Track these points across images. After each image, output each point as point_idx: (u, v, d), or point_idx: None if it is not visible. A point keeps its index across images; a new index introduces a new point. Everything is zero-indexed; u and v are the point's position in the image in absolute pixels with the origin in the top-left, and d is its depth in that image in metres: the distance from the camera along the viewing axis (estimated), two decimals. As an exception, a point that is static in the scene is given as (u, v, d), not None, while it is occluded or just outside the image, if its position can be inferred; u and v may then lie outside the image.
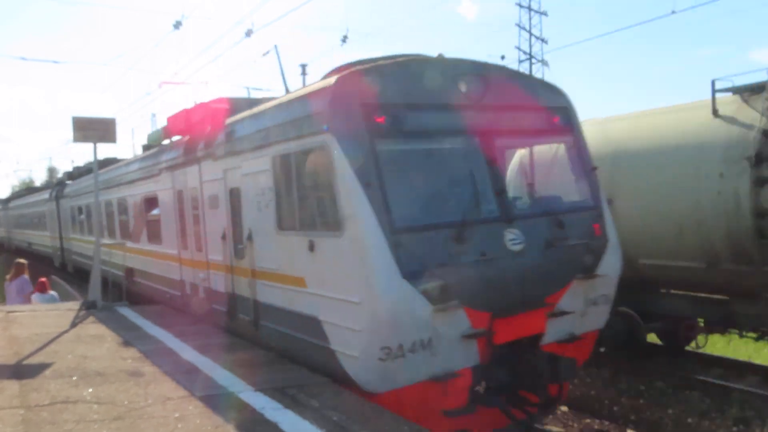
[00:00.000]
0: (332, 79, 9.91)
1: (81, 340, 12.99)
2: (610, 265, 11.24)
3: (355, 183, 9.25)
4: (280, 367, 10.62)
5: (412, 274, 9.11)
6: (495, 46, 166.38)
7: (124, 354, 11.83)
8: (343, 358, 9.56)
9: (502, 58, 40.46)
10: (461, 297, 9.55)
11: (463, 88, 10.51)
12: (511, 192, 10.88)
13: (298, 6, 50.69)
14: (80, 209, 29.84)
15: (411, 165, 9.82)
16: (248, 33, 25.08)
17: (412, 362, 9.39)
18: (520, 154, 13.70)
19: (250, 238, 11.74)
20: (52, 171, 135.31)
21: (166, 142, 17.93)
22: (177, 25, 25.94)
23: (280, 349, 11.00)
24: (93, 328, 14.43)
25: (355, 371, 9.40)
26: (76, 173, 37.95)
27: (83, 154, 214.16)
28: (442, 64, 10.54)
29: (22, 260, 19.52)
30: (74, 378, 10.26)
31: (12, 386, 9.91)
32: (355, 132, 9.51)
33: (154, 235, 17.63)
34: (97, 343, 12.77)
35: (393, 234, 9.15)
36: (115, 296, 20.59)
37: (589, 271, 10.96)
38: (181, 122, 15.82)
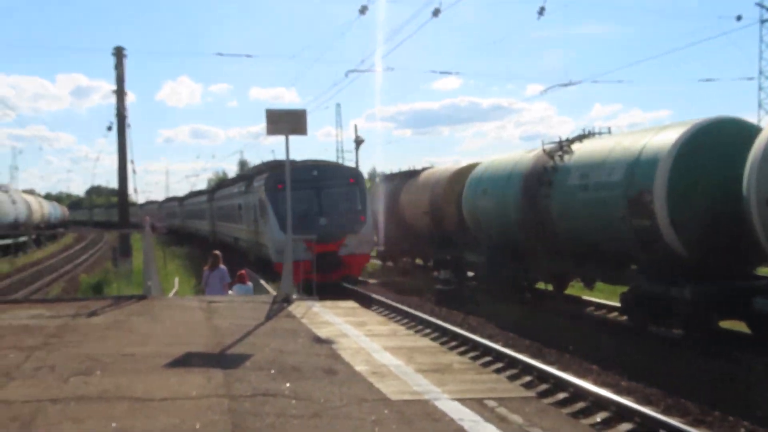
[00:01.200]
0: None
1: (276, 334, 13.29)
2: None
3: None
4: (475, 376, 10.57)
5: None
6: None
7: (318, 350, 12.01)
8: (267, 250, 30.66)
9: (738, 18, 38.89)
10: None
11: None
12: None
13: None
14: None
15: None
16: (435, 12, 25.02)
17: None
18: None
19: None
20: (242, 164, 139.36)
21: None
22: (363, 10, 26.25)
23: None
24: (287, 322, 14.75)
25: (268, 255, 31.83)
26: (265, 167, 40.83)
27: (276, 145, 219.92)
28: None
29: (217, 252, 20.34)
30: (272, 371, 10.48)
31: (218, 375, 10.22)
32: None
33: None
34: (291, 337, 13.03)
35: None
36: (306, 290, 21.04)
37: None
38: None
